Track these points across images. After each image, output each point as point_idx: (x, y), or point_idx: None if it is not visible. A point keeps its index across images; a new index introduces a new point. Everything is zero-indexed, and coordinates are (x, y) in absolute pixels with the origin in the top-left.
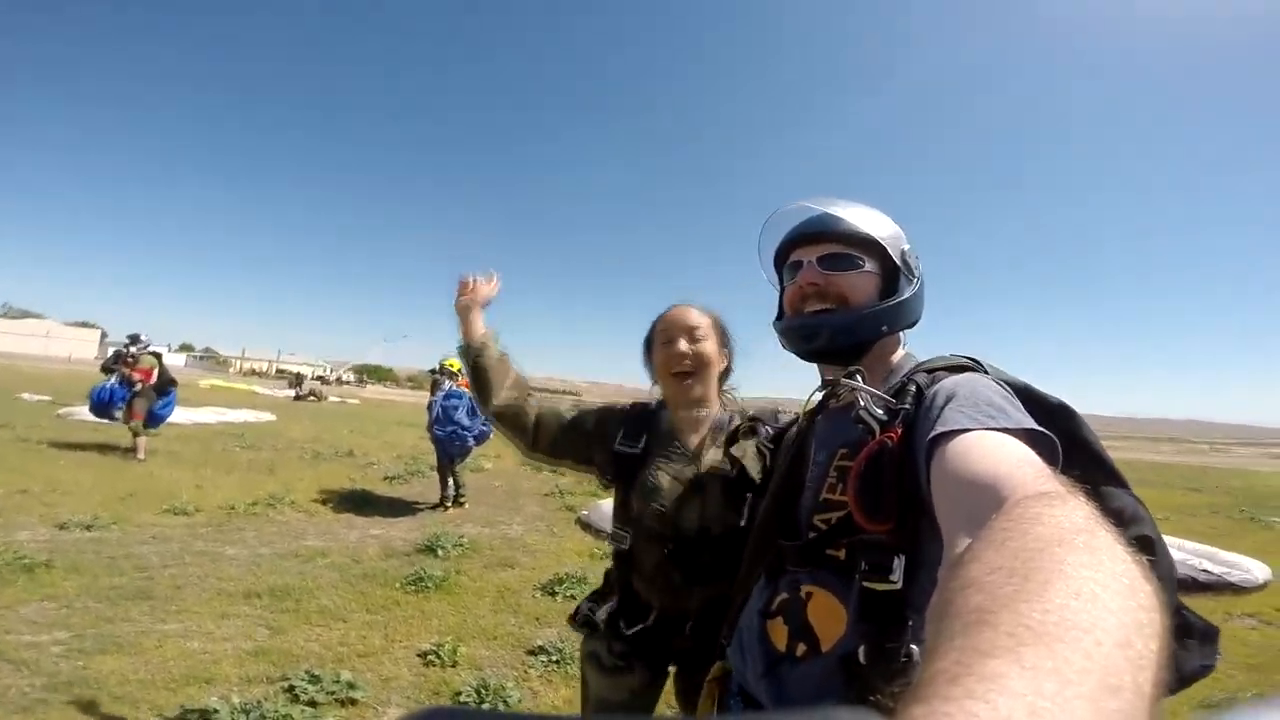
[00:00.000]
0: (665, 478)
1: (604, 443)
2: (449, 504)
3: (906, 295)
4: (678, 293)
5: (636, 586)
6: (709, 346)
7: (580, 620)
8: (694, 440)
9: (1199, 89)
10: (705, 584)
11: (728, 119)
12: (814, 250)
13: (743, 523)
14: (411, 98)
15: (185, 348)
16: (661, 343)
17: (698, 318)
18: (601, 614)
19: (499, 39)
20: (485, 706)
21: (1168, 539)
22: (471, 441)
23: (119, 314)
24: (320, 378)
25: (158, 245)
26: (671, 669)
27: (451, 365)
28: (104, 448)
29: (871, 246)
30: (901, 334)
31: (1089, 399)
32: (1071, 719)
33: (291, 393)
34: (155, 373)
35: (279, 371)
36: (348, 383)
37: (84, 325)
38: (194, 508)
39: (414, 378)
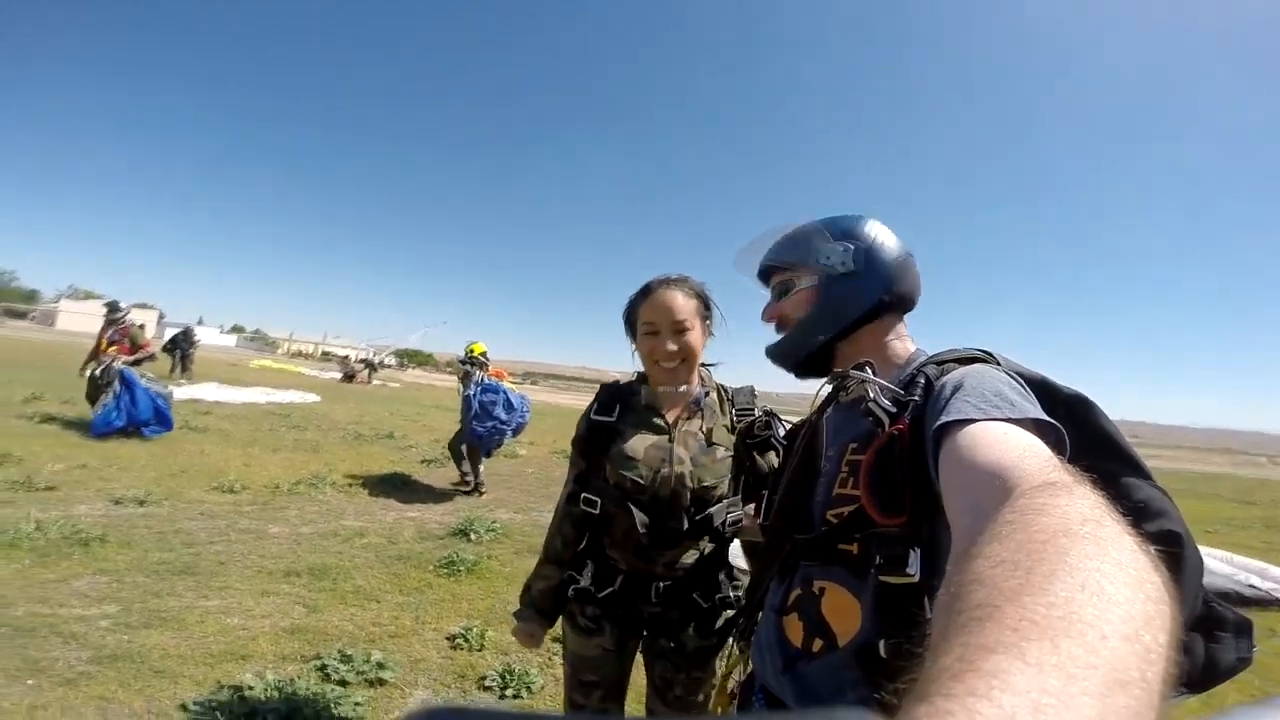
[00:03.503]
0: (642, 447)
1: (586, 419)
2: (483, 489)
3: (834, 295)
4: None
5: (608, 552)
6: (694, 337)
7: (561, 585)
8: (671, 414)
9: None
10: (671, 547)
11: (726, 107)
12: (772, 287)
13: (760, 521)
14: (456, 90)
15: (237, 329)
16: (647, 332)
17: (683, 305)
18: (585, 579)
19: (557, 34)
20: (509, 692)
21: (1215, 552)
22: (510, 435)
23: (175, 296)
24: (365, 361)
25: (214, 231)
26: (644, 634)
27: (475, 350)
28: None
29: (798, 265)
30: (902, 328)
31: (1141, 407)
32: (1077, 715)
33: (339, 374)
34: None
35: (324, 354)
36: (389, 366)
37: (143, 306)
38: (241, 486)
39: (451, 362)
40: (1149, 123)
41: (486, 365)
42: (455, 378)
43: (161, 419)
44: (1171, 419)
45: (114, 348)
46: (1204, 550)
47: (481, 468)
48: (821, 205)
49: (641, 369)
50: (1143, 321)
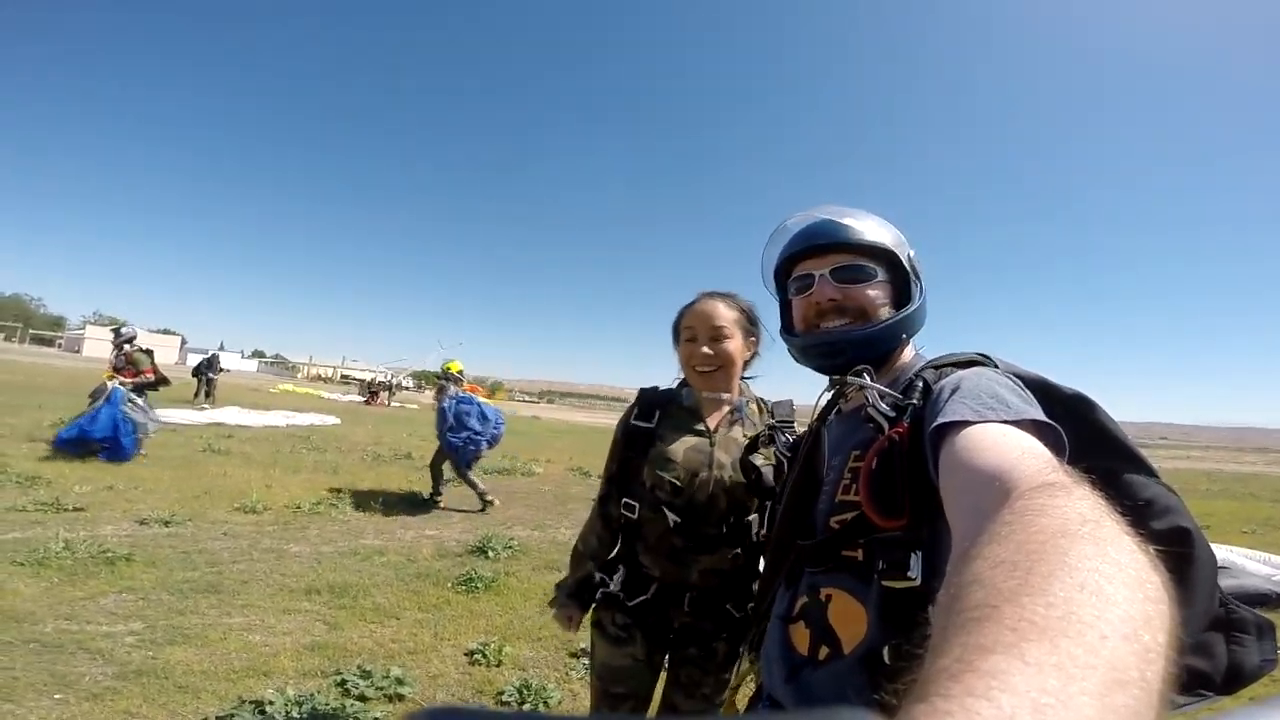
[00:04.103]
0: (680, 450)
1: (624, 424)
2: (489, 499)
3: (920, 302)
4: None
5: (641, 559)
6: (732, 345)
7: (593, 589)
8: (713, 420)
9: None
10: (706, 553)
11: (738, 113)
12: (824, 263)
13: (762, 532)
14: (473, 112)
15: (257, 354)
16: (686, 338)
17: (723, 314)
18: (615, 584)
19: (553, 50)
20: (526, 707)
21: (1253, 553)
22: (485, 445)
23: (198, 321)
24: (383, 383)
25: (234, 257)
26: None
27: (452, 368)
28: (183, 447)
29: (880, 255)
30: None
31: (1167, 407)
32: (1077, 715)
33: (361, 398)
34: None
35: (344, 377)
36: (407, 388)
37: (166, 332)
38: (263, 506)
39: (469, 383)
40: (1167, 110)
41: (461, 381)
42: (432, 395)
43: (116, 445)
44: (1199, 418)
45: (112, 372)
46: (1242, 550)
47: (480, 482)
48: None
49: (683, 377)
50: (1165, 317)
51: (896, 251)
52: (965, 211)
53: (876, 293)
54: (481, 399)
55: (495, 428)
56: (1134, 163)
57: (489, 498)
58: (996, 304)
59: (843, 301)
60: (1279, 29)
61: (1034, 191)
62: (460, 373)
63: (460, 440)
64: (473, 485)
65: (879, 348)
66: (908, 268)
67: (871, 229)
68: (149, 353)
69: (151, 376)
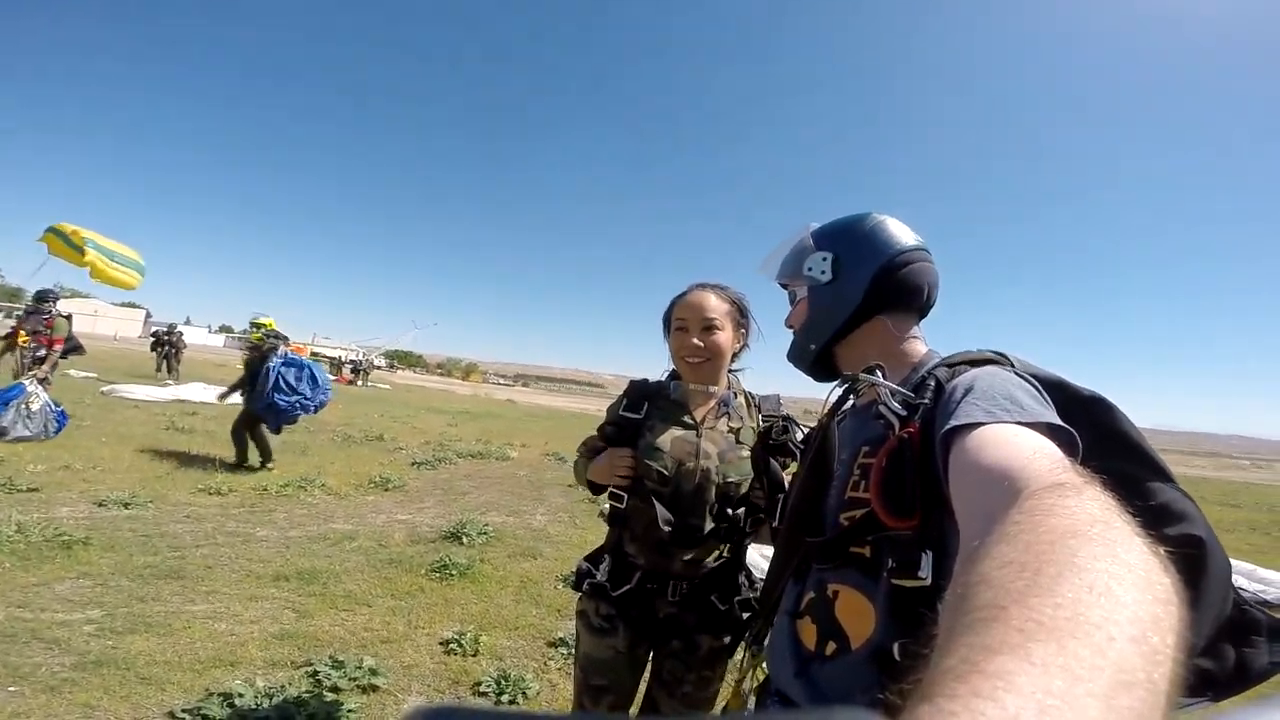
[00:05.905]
0: (668, 440)
1: (612, 414)
2: (272, 466)
3: (819, 304)
4: (705, 274)
5: (627, 548)
6: (723, 337)
7: (577, 578)
8: (700, 412)
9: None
10: (691, 545)
11: (723, 107)
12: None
13: (775, 524)
14: (452, 88)
15: (225, 329)
16: (677, 328)
17: (715, 305)
18: (602, 574)
19: (523, 38)
20: (504, 698)
21: None
22: (313, 409)
23: (162, 295)
24: (353, 362)
25: (199, 230)
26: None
27: (269, 324)
28: (145, 425)
29: (792, 279)
30: (910, 329)
31: (1126, 410)
32: (1082, 716)
33: (331, 377)
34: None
35: (314, 355)
36: (379, 367)
37: (130, 305)
38: (227, 488)
39: (443, 364)
40: (1110, 116)
41: (287, 339)
42: (451, 380)
43: None
44: (1158, 422)
45: (32, 338)
46: None
47: (265, 442)
48: (831, 203)
49: (673, 368)
50: (1120, 322)
51: (779, 278)
52: (942, 213)
53: (797, 311)
54: (298, 354)
55: (324, 393)
56: (1104, 165)
57: (249, 462)
58: (957, 306)
59: (788, 324)
60: None
61: (996, 194)
62: (277, 333)
63: (287, 403)
64: (264, 443)
65: (798, 359)
66: (803, 280)
67: (777, 267)
68: (68, 318)
69: (57, 349)
